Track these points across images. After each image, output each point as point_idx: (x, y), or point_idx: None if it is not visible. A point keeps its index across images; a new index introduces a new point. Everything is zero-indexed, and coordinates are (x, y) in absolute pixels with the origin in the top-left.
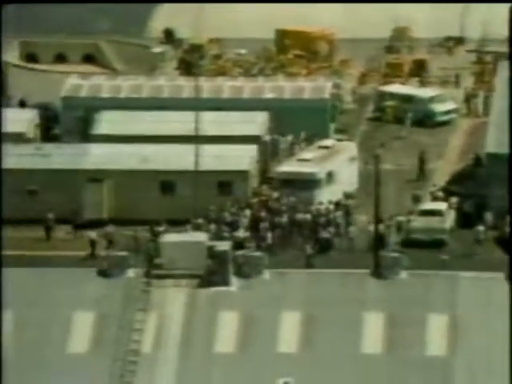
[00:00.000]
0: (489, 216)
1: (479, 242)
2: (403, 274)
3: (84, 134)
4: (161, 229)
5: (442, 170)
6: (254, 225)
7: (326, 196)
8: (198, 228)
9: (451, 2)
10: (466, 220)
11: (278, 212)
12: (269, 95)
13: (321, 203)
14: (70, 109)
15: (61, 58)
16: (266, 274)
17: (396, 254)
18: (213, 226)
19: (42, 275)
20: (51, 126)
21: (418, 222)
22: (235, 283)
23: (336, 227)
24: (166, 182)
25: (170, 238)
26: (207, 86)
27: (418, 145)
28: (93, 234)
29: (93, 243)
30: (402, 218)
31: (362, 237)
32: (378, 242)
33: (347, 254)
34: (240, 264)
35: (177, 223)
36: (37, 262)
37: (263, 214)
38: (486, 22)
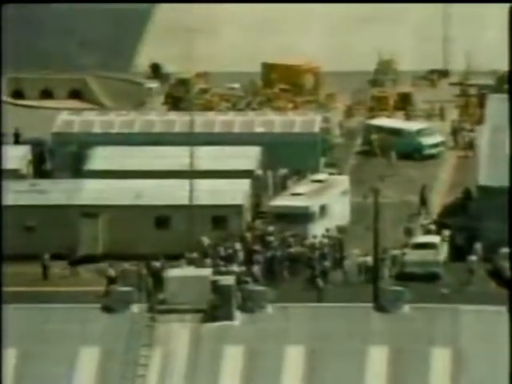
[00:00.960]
0: (478, 247)
1: (472, 272)
2: (406, 308)
3: (76, 169)
4: (158, 264)
5: (433, 203)
6: (249, 259)
7: (319, 230)
8: (192, 262)
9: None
10: (458, 253)
11: (273, 246)
12: (260, 129)
13: (315, 237)
14: (61, 144)
15: (47, 94)
16: (269, 308)
17: (398, 288)
18: (208, 261)
19: (46, 312)
20: (43, 162)
21: (412, 256)
22: (239, 317)
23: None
24: (161, 217)
25: (174, 272)
26: (198, 121)
27: (406, 178)
28: (111, 271)
29: (111, 280)
30: (396, 252)
31: (355, 270)
32: (377, 274)
33: (342, 287)
34: (244, 298)
35: (172, 257)
36: (38, 298)
37: (258, 248)
38: (469, 54)
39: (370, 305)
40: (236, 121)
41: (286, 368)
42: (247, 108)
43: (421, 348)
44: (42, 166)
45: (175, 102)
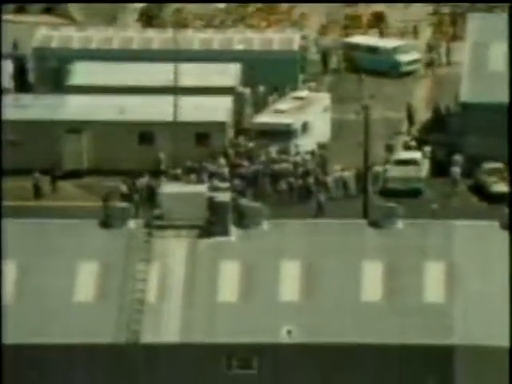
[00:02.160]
0: (459, 159)
1: (455, 183)
2: (399, 224)
3: (57, 84)
4: (144, 180)
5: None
6: (232, 175)
7: (301, 146)
8: (176, 178)
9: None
10: (439, 168)
11: (256, 162)
12: (239, 47)
13: (297, 153)
14: (41, 60)
15: (21, 9)
16: (265, 225)
17: (392, 204)
18: (193, 177)
19: (43, 226)
20: (23, 77)
21: (394, 172)
22: (234, 233)
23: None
24: (145, 133)
25: (170, 188)
26: (177, 38)
27: (385, 96)
28: (123, 186)
29: (123, 196)
30: (378, 168)
31: (338, 185)
32: (366, 189)
33: (328, 202)
34: (239, 214)
35: (155, 173)
36: (35, 212)
37: (241, 163)
38: None
39: (365, 221)
40: (215, 38)
41: (283, 282)
42: (221, 26)
43: (415, 262)
44: (22, 81)
45: (149, 19)
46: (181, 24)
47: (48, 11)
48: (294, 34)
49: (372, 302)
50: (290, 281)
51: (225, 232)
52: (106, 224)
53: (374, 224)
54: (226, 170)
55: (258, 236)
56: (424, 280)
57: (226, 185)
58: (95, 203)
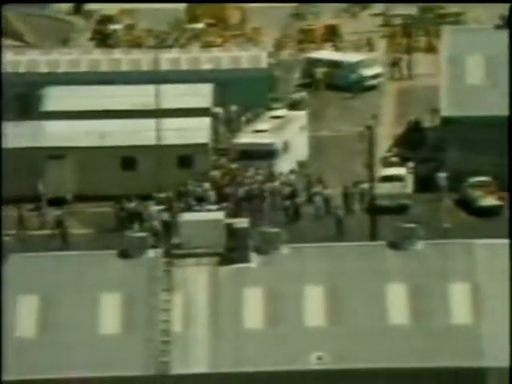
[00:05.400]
0: (442, 175)
1: (442, 197)
2: (419, 245)
3: (25, 110)
4: (131, 205)
5: (381, 135)
6: (220, 197)
7: (283, 166)
8: (162, 203)
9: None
10: (422, 184)
11: (244, 183)
12: (207, 66)
13: (281, 173)
14: (8, 85)
15: None
16: (284, 249)
17: (413, 225)
18: (179, 201)
19: (62, 258)
20: None
21: (381, 189)
22: (255, 259)
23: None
24: (127, 158)
25: (187, 216)
26: (143, 59)
27: (352, 110)
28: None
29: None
30: (365, 185)
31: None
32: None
33: (318, 222)
34: (259, 240)
35: (141, 198)
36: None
37: (230, 186)
38: None
39: (384, 242)
40: (182, 58)
41: (307, 307)
42: (176, 44)
43: (439, 283)
44: None
45: (102, 38)
46: (134, 42)
47: None
48: (262, 52)
49: (400, 326)
50: (314, 306)
51: (245, 258)
52: (124, 254)
53: (394, 245)
54: (212, 193)
55: (279, 261)
56: (450, 301)
57: (215, 207)
58: (83, 230)
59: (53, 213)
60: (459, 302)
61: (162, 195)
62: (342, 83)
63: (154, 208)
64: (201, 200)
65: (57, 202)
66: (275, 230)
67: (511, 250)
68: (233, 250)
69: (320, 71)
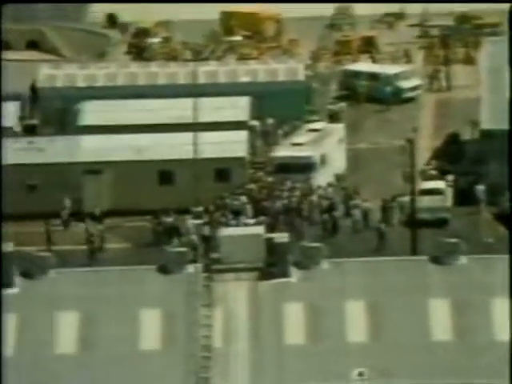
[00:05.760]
0: (481, 188)
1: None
2: (462, 260)
3: (62, 125)
4: (169, 219)
5: (420, 147)
6: (257, 211)
7: (320, 179)
8: (199, 217)
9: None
10: (461, 198)
11: (283, 196)
12: (245, 79)
13: (319, 187)
14: (45, 99)
15: (4, 45)
16: (325, 264)
17: (455, 240)
18: (217, 215)
19: (101, 274)
20: (24, 117)
21: (421, 202)
22: (295, 274)
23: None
24: (164, 172)
25: (227, 231)
26: (180, 72)
27: (389, 122)
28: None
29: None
30: (404, 198)
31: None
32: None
33: (356, 236)
34: (298, 255)
35: (178, 212)
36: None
37: (267, 199)
38: None
39: (426, 257)
40: (219, 71)
41: (349, 322)
42: (212, 56)
43: (482, 299)
44: (23, 122)
45: (138, 51)
46: (170, 55)
47: (33, 47)
48: (298, 64)
49: (443, 341)
50: (356, 321)
51: (285, 273)
52: (164, 269)
53: (436, 260)
54: (249, 207)
55: (319, 276)
56: (493, 317)
57: (252, 221)
58: (121, 245)
59: (90, 228)
60: (502, 318)
61: (200, 209)
62: (379, 95)
63: (191, 222)
64: (238, 214)
65: (94, 216)
66: (316, 244)
67: (511, 264)
68: (273, 264)
69: (361, 84)
